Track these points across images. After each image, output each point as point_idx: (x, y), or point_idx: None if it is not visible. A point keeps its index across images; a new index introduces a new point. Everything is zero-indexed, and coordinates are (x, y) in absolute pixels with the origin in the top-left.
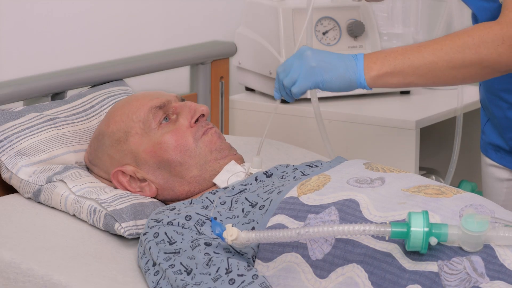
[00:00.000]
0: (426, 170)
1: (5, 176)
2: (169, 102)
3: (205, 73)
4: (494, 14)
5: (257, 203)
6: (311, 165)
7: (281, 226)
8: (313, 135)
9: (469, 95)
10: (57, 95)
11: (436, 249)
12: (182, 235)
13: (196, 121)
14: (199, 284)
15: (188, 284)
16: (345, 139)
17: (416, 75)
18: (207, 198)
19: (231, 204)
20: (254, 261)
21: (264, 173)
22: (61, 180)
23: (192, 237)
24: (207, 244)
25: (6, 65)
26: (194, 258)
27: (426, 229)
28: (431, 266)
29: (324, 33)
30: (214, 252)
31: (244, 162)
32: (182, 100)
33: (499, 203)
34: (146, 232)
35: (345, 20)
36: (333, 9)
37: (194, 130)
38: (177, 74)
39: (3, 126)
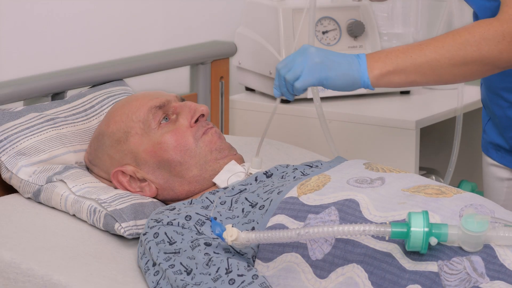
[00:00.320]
0: (426, 170)
1: (5, 176)
2: (169, 102)
3: (205, 73)
4: (495, 12)
5: (257, 203)
6: (311, 165)
7: (281, 226)
8: (313, 135)
9: (469, 95)
10: (57, 95)
11: (436, 249)
12: (182, 235)
13: (196, 121)
14: (199, 284)
15: (188, 284)
16: (345, 139)
17: (419, 73)
18: (207, 198)
19: (231, 204)
20: (254, 261)
21: (264, 173)
22: (61, 180)
23: (192, 237)
24: (207, 244)
25: (6, 65)
26: (194, 258)
27: (426, 229)
28: (431, 266)
29: (324, 33)
30: (214, 252)
31: (244, 162)
32: (182, 100)
33: (499, 202)
34: (146, 232)
35: (345, 20)
36: (333, 9)
37: (194, 130)
38: (177, 74)
39: (3, 126)
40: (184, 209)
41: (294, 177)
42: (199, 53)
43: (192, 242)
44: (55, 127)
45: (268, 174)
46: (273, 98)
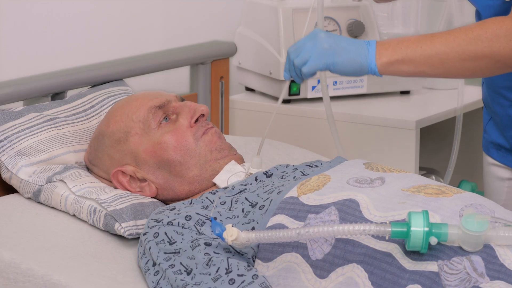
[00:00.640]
0: (426, 170)
1: (5, 176)
2: (168, 102)
3: (205, 73)
4: (497, 11)
5: (257, 203)
6: (311, 165)
7: (281, 226)
8: (313, 135)
9: (469, 95)
10: (57, 95)
11: (436, 249)
12: (182, 235)
13: (196, 121)
14: (199, 284)
15: (188, 284)
16: (345, 139)
17: (427, 65)
18: (207, 198)
19: (231, 204)
20: (254, 261)
21: (264, 173)
22: (61, 180)
23: (192, 237)
24: (207, 244)
25: (6, 65)
26: (194, 258)
27: (426, 229)
28: (431, 266)
29: None
30: (214, 252)
31: (244, 162)
32: (182, 100)
33: (500, 202)
34: (146, 232)
35: (345, 20)
36: (333, 9)
37: (194, 130)
38: (177, 74)
39: (3, 126)
40: (184, 209)
41: (294, 177)
42: (199, 53)
43: (192, 242)
44: (55, 127)
45: (268, 174)
46: (273, 98)
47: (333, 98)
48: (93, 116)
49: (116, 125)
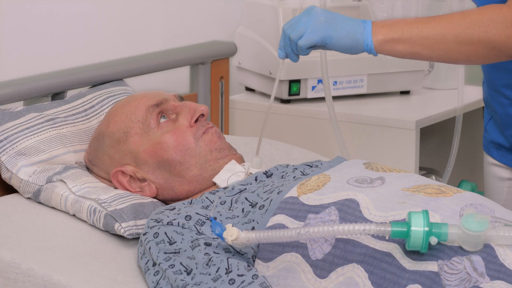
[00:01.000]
0: (426, 170)
1: (5, 176)
2: (166, 100)
3: (205, 73)
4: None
5: (257, 203)
6: (311, 165)
7: (281, 226)
8: (313, 135)
9: (469, 95)
10: (57, 95)
11: (436, 249)
12: (182, 235)
13: (196, 121)
14: (199, 284)
15: (188, 284)
16: (345, 139)
17: (423, 45)
18: (207, 198)
19: (231, 204)
20: (254, 261)
21: (264, 173)
22: (61, 180)
23: (192, 237)
24: (207, 244)
25: (6, 65)
26: (194, 258)
27: (426, 229)
28: (431, 266)
29: None
30: (214, 252)
31: (244, 162)
32: (182, 99)
33: (500, 202)
34: (146, 232)
35: None
36: (333, 9)
37: (194, 130)
38: (177, 74)
39: (3, 126)
40: (184, 209)
41: (294, 177)
42: (199, 53)
43: (192, 242)
44: (55, 127)
45: (268, 174)
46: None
47: (333, 98)
48: (93, 116)
49: (116, 125)
